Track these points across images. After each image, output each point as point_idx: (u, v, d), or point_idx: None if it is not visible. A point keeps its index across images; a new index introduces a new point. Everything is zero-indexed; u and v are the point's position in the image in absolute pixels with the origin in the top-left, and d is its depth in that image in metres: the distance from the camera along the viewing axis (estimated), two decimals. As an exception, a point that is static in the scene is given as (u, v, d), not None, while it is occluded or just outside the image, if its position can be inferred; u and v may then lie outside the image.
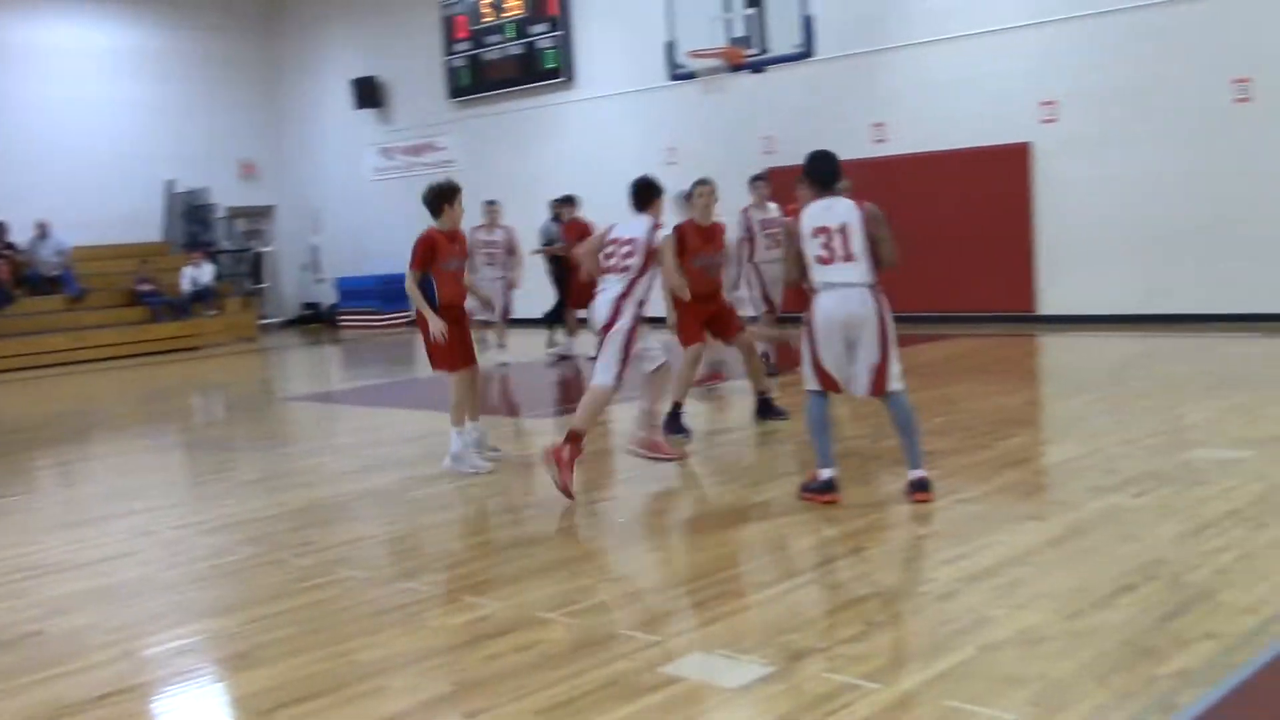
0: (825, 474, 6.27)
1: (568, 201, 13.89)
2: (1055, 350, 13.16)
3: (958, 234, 14.83)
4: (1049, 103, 14.52)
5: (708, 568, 5.31)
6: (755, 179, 11.24)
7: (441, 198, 7.72)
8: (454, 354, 7.81)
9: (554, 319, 14.41)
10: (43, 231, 19.98)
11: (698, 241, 8.51)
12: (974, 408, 9.16)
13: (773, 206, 11.05)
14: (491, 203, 14.29)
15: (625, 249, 7.17)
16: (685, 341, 8.52)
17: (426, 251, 7.65)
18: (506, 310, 14.03)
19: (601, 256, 7.28)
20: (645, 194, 7.44)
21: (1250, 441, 7.29)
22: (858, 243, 6.11)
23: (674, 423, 8.33)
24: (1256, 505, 5.67)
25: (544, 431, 9.75)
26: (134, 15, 22.29)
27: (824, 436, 6.32)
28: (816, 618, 4.50)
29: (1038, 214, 14.74)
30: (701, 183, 8.75)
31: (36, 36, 21.20)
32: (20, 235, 19.93)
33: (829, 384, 6.27)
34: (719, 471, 7.15)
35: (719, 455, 7.64)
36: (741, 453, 8.37)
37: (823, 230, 6.18)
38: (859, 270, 6.13)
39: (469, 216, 15.00)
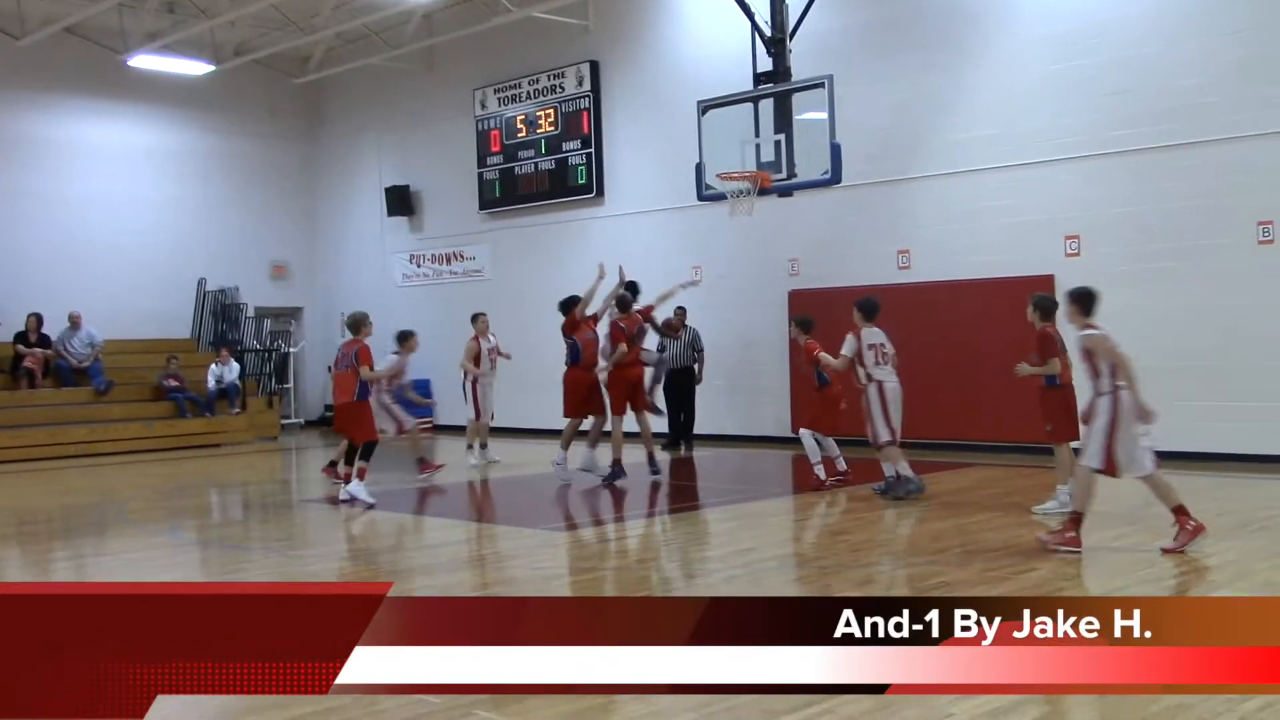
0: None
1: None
2: (1076, 482, 13.05)
3: (981, 362, 14.89)
4: (1073, 236, 14.68)
5: None
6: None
7: None
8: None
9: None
10: (74, 323, 20.25)
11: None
12: (989, 539, 9.10)
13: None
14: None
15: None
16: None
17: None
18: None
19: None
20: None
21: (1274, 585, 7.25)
22: None
23: None
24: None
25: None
26: (179, 118, 22.80)
27: None
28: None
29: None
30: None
31: (81, 134, 21.72)
32: (52, 327, 20.21)
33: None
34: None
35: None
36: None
37: None
38: None
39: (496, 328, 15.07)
